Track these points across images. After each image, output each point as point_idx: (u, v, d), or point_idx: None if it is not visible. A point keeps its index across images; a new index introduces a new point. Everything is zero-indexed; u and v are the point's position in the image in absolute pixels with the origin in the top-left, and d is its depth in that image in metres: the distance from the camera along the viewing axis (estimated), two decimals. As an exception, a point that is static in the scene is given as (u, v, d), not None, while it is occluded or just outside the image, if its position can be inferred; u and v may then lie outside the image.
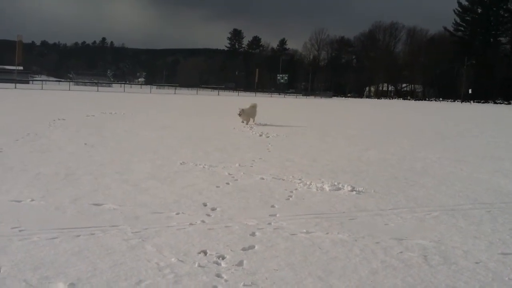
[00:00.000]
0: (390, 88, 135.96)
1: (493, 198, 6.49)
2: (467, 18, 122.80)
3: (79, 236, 4.18)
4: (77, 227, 4.41)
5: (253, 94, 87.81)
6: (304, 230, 4.59)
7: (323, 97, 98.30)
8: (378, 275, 3.58)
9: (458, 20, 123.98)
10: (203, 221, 4.77)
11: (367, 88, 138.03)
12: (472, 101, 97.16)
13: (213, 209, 5.27)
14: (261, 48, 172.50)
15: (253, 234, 4.44)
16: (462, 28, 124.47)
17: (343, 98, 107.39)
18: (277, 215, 5.13)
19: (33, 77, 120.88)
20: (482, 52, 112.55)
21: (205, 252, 3.91)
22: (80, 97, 38.11)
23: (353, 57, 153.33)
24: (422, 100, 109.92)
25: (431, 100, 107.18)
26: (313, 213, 5.28)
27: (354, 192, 6.41)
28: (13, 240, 4.01)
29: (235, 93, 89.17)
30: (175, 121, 17.80)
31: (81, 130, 12.92)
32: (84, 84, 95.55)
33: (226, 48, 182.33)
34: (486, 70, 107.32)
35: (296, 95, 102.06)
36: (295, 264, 3.75)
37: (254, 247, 4.09)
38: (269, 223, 4.80)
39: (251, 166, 8.20)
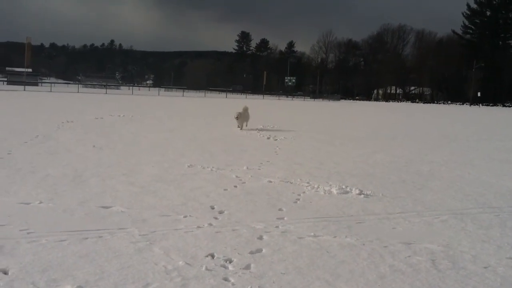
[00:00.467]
0: (398, 91, 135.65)
1: (501, 202, 6.46)
2: (476, 20, 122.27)
3: (87, 238, 4.19)
4: (85, 230, 4.42)
5: (261, 96, 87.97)
6: (312, 234, 4.58)
7: (331, 100, 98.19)
8: (386, 280, 3.57)
9: (466, 23, 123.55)
10: (210, 224, 4.77)
11: (375, 91, 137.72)
12: (480, 104, 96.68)
13: (221, 212, 5.27)
14: (269, 51, 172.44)
15: (260, 237, 4.43)
16: (471, 31, 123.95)
17: (351, 100, 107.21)
18: (285, 219, 5.12)
19: (42, 79, 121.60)
20: (490, 55, 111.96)
21: (212, 255, 3.91)
22: (89, 100, 38.26)
23: (361, 59, 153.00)
24: (430, 103, 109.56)
25: (440, 103, 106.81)
26: (321, 216, 5.27)
27: (362, 196, 6.39)
28: (21, 242, 4.02)
29: (243, 96, 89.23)
30: (182, 124, 17.83)
31: (89, 133, 12.96)
32: (93, 86, 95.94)
33: (234, 51, 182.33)
34: (495, 73, 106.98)
35: (304, 98, 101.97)
36: (303, 267, 3.74)
37: (262, 250, 4.09)
38: (277, 227, 4.79)
39: (259, 169, 8.20)
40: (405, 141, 14.81)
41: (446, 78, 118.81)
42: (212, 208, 5.45)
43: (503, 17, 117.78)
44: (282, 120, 22.58)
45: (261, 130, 16.05)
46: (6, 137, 10.85)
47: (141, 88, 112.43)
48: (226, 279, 3.46)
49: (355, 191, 6.56)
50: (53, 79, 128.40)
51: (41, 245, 3.98)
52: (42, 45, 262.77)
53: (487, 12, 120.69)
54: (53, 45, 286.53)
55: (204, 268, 3.63)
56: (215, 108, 32.45)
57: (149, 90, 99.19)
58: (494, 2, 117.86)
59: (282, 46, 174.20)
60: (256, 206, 5.65)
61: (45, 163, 7.88)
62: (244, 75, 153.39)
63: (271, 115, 28.11)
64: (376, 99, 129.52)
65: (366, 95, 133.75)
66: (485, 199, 6.62)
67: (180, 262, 3.72)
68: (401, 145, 13.63)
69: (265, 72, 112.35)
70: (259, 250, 4.08)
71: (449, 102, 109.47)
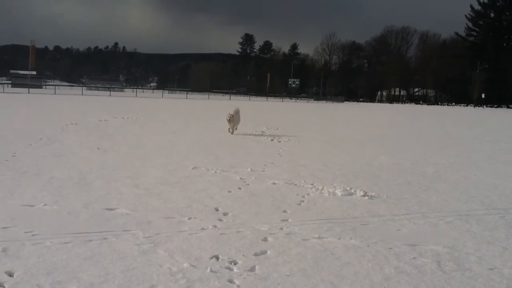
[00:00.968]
0: (402, 93, 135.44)
1: (506, 204, 6.44)
2: (480, 22, 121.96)
3: (91, 240, 4.19)
4: (89, 232, 4.42)
5: (264, 98, 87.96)
6: (316, 235, 4.57)
7: (335, 102, 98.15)
8: (391, 281, 3.56)
9: (470, 24, 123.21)
10: (215, 226, 4.77)
11: (379, 93, 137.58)
12: (485, 106, 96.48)
13: (225, 214, 5.27)
14: (272, 53, 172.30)
15: (265, 239, 4.43)
16: (475, 33, 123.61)
17: (355, 102, 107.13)
18: (289, 220, 5.11)
19: (46, 82, 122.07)
20: (494, 56, 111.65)
21: (217, 257, 3.91)
22: (93, 102, 38.33)
23: (365, 61, 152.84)
24: (434, 104, 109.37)
25: (444, 105, 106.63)
26: (325, 218, 5.26)
27: (366, 197, 6.38)
28: (26, 244, 4.03)
29: (247, 98, 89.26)
30: (186, 126, 17.84)
31: (94, 135, 12.99)
32: (97, 89, 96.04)
33: (237, 53, 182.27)
34: (499, 75, 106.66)
35: (308, 100, 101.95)
36: (307, 269, 3.73)
37: (266, 252, 4.08)
38: (281, 228, 4.79)
39: (263, 171, 8.19)
40: (409, 143, 14.79)
41: (450, 79, 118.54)
42: (217, 210, 5.45)
43: (507, 19, 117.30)
44: (286, 122, 22.58)
45: (265, 132, 16.03)
46: (11, 140, 10.88)
47: (145, 90, 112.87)
48: (230, 281, 3.46)
49: (359, 193, 6.55)
50: (57, 82, 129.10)
51: (46, 247, 3.99)
52: (46, 47, 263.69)
53: (491, 13, 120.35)
54: (57, 48, 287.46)
55: (208, 270, 3.63)
56: (219, 110, 32.44)
57: (153, 93, 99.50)
58: (498, 4, 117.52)
59: (286, 48, 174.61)
60: (261, 208, 5.64)
61: (50, 166, 7.90)
62: (248, 77, 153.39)
63: (275, 117, 28.12)
64: (380, 101, 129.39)
65: (370, 97, 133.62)
66: (490, 200, 6.59)
67: (185, 264, 3.72)
68: (406, 146, 13.61)
69: (268, 74, 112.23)
70: (263, 252, 4.08)
71: (453, 103, 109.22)
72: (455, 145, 14.86)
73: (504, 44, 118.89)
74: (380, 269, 3.79)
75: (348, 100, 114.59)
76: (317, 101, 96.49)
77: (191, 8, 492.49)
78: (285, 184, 7.09)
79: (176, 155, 9.73)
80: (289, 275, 3.60)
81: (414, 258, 4.08)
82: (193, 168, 8.17)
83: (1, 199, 5.56)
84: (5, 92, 51.42)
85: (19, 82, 76.93)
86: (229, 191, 6.47)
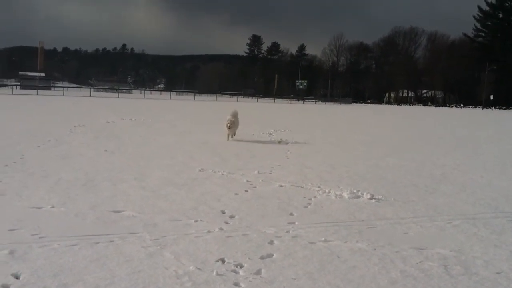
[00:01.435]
0: (410, 94, 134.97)
1: (515, 207, 6.40)
2: (488, 23, 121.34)
3: (98, 243, 4.20)
4: (96, 234, 4.44)
5: (272, 100, 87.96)
6: (323, 239, 4.56)
7: (342, 103, 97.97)
8: (397, 285, 3.55)
9: (478, 25, 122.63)
10: (221, 229, 4.77)
11: (387, 94, 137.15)
12: (493, 107, 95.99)
13: (232, 217, 5.27)
14: (280, 54, 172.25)
15: (271, 242, 4.43)
16: (483, 34, 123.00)
17: (363, 104, 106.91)
18: (296, 223, 5.11)
19: (55, 83, 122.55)
20: (503, 58, 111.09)
21: (223, 260, 3.91)
22: (101, 104, 38.48)
23: (373, 62, 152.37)
24: (442, 106, 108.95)
25: (452, 106, 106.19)
26: (332, 221, 5.25)
27: (373, 200, 6.36)
28: (33, 246, 4.04)
29: (254, 99, 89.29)
30: (193, 127, 17.87)
31: (101, 137, 13.03)
32: (105, 90, 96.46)
33: (245, 54, 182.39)
34: (508, 76, 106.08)
35: (315, 101, 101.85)
36: (314, 272, 3.73)
37: (272, 255, 4.08)
38: (288, 231, 4.78)
39: (270, 173, 8.19)
40: (417, 145, 14.75)
41: (458, 81, 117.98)
42: (223, 212, 5.45)
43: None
44: (293, 124, 22.57)
45: (272, 134, 16.03)
46: (19, 141, 10.94)
47: (152, 92, 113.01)
48: (236, 284, 3.46)
49: (366, 196, 6.53)
50: (65, 83, 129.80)
51: (53, 249, 4.00)
52: (55, 49, 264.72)
53: (499, 14, 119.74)
54: (65, 50, 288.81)
55: (214, 273, 3.63)
56: (226, 112, 32.49)
57: (161, 94, 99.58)
58: (507, 4, 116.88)
59: (293, 50, 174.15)
60: (267, 210, 5.64)
61: (57, 167, 7.93)
62: (256, 79, 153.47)
63: (282, 119, 28.11)
64: (388, 102, 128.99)
65: (378, 99, 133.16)
66: (498, 203, 6.56)
67: (191, 267, 3.72)
68: (413, 148, 13.58)
69: (276, 76, 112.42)
70: (270, 255, 4.07)
71: (462, 105, 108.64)
72: (463, 147, 14.80)
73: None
74: (386, 273, 3.78)
75: (356, 102, 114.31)
76: (324, 103, 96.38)
77: (197, 9, 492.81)
78: (292, 187, 7.09)
79: (183, 157, 9.74)
80: (295, 279, 3.60)
81: (420, 261, 4.07)
82: (199, 170, 8.18)
83: (9, 201, 5.59)
84: (14, 94, 51.72)
85: (28, 84, 77.39)
86: (235, 194, 6.47)
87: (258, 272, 3.70)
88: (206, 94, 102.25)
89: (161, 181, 7.11)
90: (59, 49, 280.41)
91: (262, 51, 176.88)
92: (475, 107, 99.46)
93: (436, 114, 50.53)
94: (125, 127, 16.65)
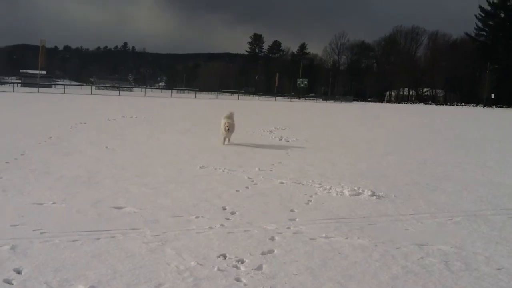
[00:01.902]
0: (411, 93, 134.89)
1: (516, 204, 6.40)
2: (490, 22, 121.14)
3: (99, 239, 4.21)
4: (97, 230, 4.44)
5: (273, 98, 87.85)
6: (324, 235, 4.57)
7: (343, 102, 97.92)
8: (398, 281, 3.55)
9: (480, 24, 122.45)
10: (222, 225, 4.77)
11: (388, 93, 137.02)
12: (494, 106, 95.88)
13: (233, 213, 5.27)
14: (281, 53, 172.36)
15: (272, 238, 4.43)
16: (485, 33, 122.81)
17: (364, 102, 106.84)
18: (297, 220, 5.11)
19: (56, 81, 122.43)
20: (505, 57, 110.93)
21: (224, 256, 3.92)
22: (102, 101, 38.45)
23: (374, 61, 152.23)
24: (443, 104, 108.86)
25: (453, 105, 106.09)
26: (333, 217, 5.26)
27: (374, 197, 6.37)
28: (34, 242, 4.05)
29: (255, 98, 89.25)
30: (194, 125, 17.86)
31: (102, 134, 13.03)
32: (106, 88, 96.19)
33: (246, 53, 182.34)
34: (509, 75, 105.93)
35: (316, 100, 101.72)
36: (315, 268, 3.73)
37: (274, 251, 4.08)
38: (289, 228, 4.79)
39: (271, 170, 8.19)
40: (418, 143, 14.74)
41: (459, 80, 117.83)
42: (224, 209, 5.46)
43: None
44: (294, 122, 22.56)
45: (273, 131, 16.03)
46: (20, 138, 10.94)
47: (153, 90, 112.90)
48: (238, 280, 3.47)
49: (367, 193, 6.54)
50: (66, 81, 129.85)
51: (54, 245, 4.01)
52: (56, 47, 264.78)
53: (501, 14, 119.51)
54: (66, 48, 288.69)
55: (216, 268, 3.64)
56: (227, 110, 32.50)
57: (162, 92, 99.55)
58: (508, 4, 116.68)
59: (294, 48, 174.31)
60: (268, 207, 5.65)
61: (59, 164, 7.94)
62: (257, 77, 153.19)
63: (283, 116, 28.10)
64: (389, 101, 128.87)
65: (379, 97, 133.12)
66: (499, 200, 6.57)
67: (192, 263, 3.73)
68: (414, 146, 13.57)
69: (277, 74, 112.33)
70: (271, 251, 4.08)
71: (463, 104, 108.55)
72: (464, 145, 14.80)
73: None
74: (387, 269, 3.78)
75: (357, 100, 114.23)
76: (325, 101, 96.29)
77: (198, 7, 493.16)
78: (293, 184, 7.09)
79: (184, 154, 9.75)
80: (296, 274, 3.60)
81: (421, 258, 4.07)
82: (201, 167, 8.19)
83: (11, 197, 5.60)
84: (15, 92, 51.69)
85: (29, 82, 77.21)
86: (236, 190, 6.47)
87: (259, 268, 3.71)
88: (206, 92, 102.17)
89: (163, 178, 7.12)
90: (60, 47, 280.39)
91: (263, 50, 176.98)
92: (476, 106, 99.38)
93: (437, 113, 50.47)
94: (126, 124, 16.65)
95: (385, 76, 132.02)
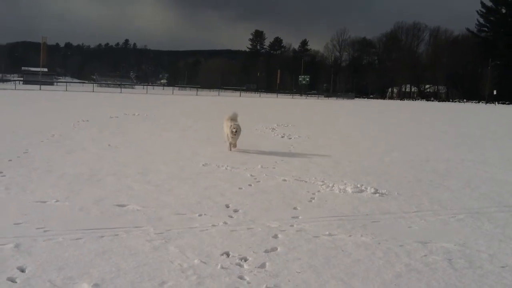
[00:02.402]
0: (413, 89, 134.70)
1: (519, 201, 6.39)
2: (491, 18, 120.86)
3: (103, 237, 4.21)
4: (101, 228, 4.45)
5: (274, 95, 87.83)
6: (327, 233, 4.57)
7: (345, 98, 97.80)
8: (401, 279, 3.55)
9: (481, 20, 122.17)
10: (225, 223, 4.77)
11: (390, 89, 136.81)
12: (496, 103, 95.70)
13: (236, 211, 5.27)
14: (282, 49, 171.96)
15: (275, 236, 4.43)
16: (486, 29, 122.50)
17: (365, 99, 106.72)
18: (300, 217, 5.11)
19: (57, 78, 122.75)
20: (506, 53, 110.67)
21: (227, 254, 3.92)
22: (104, 99, 38.48)
23: (375, 58, 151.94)
24: (445, 101, 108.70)
25: (455, 101, 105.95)
26: (336, 215, 5.26)
27: (377, 195, 6.37)
28: (38, 240, 4.06)
29: (257, 94, 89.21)
30: (196, 122, 17.87)
31: (105, 131, 13.04)
32: (108, 85, 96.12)
33: (247, 49, 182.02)
34: (511, 71, 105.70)
35: (318, 96, 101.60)
36: (318, 266, 3.73)
37: (277, 249, 4.08)
38: (292, 225, 4.79)
39: (274, 168, 8.19)
40: (421, 140, 14.72)
41: (461, 76, 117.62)
42: (227, 206, 5.46)
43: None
44: (296, 119, 22.55)
45: (276, 129, 16.02)
46: (22, 136, 10.95)
47: (155, 87, 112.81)
48: (241, 278, 3.47)
49: (370, 190, 6.53)
50: (68, 79, 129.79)
51: (58, 243, 4.01)
52: (57, 44, 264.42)
53: (502, 9, 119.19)
54: (68, 45, 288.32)
55: (219, 266, 3.64)
56: (229, 107, 32.49)
57: (163, 89, 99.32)
58: (509, 0, 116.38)
59: (296, 45, 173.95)
60: (271, 204, 5.65)
61: (62, 162, 7.95)
62: (258, 74, 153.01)
63: (285, 113, 28.08)
64: (391, 98, 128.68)
65: (380, 94, 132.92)
66: (502, 197, 6.56)
67: (196, 261, 3.73)
68: (417, 143, 13.55)
69: (278, 71, 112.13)
70: (274, 249, 4.08)
71: (465, 100, 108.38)
72: (466, 142, 14.77)
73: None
74: (391, 266, 3.78)
75: (359, 97, 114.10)
76: (327, 98, 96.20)
77: (200, 4, 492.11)
78: (296, 181, 7.09)
79: (187, 152, 9.75)
80: (299, 272, 3.60)
81: (425, 255, 4.07)
82: (203, 165, 8.19)
83: (13, 195, 5.60)
84: (17, 89, 51.73)
85: (30, 79, 77.37)
86: (239, 188, 6.47)
87: (263, 266, 3.71)
88: (208, 89, 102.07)
89: (165, 176, 7.12)
90: (62, 45, 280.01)
91: (265, 47, 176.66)
92: (478, 102, 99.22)
93: (439, 109, 50.40)
94: (129, 122, 16.66)
95: (387, 72, 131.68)
